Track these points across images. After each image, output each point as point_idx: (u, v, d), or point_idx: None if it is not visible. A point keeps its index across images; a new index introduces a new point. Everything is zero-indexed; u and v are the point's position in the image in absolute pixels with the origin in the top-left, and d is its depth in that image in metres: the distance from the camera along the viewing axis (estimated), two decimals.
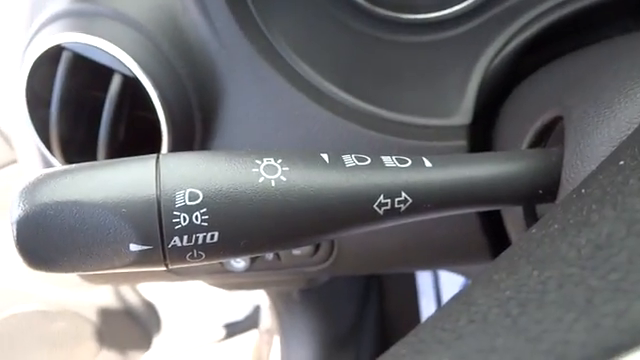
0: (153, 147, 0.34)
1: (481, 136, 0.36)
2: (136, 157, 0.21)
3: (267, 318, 0.89)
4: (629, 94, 0.22)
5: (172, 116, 0.33)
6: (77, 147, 0.35)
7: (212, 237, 0.20)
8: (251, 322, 1.01)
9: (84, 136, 0.35)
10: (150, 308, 0.94)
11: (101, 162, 0.21)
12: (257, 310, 1.00)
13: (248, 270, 0.40)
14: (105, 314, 0.89)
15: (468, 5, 0.38)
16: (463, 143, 0.34)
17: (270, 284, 0.59)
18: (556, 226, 0.16)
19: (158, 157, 0.21)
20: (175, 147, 0.34)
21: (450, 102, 0.36)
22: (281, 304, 0.68)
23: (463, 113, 0.35)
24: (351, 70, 0.37)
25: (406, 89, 0.37)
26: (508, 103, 0.35)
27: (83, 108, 0.34)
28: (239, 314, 1.02)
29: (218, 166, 0.21)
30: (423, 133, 0.35)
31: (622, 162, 0.17)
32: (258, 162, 0.21)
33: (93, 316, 0.89)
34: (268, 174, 0.21)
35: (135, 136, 0.35)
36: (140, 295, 0.93)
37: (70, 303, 0.87)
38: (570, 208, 0.17)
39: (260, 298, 0.96)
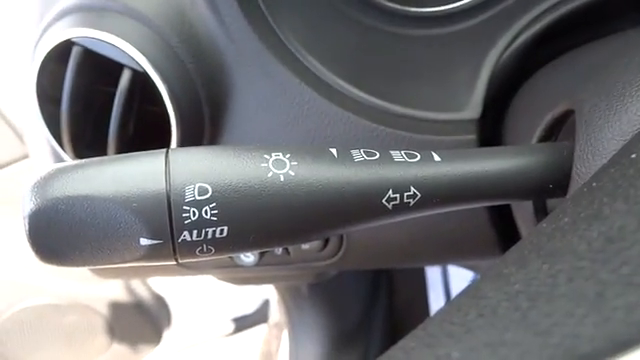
0: (162, 142, 0.34)
1: (491, 130, 0.35)
2: (146, 152, 0.21)
3: (276, 312, 0.89)
4: None
5: (181, 110, 0.33)
6: (87, 142, 0.35)
7: (221, 232, 0.20)
8: (260, 316, 1.01)
9: (94, 131, 0.35)
10: (160, 302, 0.95)
11: (111, 157, 0.21)
12: (266, 304, 1.00)
13: (257, 264, 0.40)
14: (116, 308, 0.90)
15: None
16: (473, 137, 0.34)
17: (279, 278, 0.59)
18: (567, 220, 0.16)
19: (167, 152, 0.21)
20: (184, 142, 0.34)
21: (460, 96, 0.35)
22: (290, 299, 0.68)
23: (473, 107, 0.35)
24: (360, 64, 0.37)
25: (415, 83, 0.37)
26: (518, 97, 0.34)
27: (93, 103, 0.35)
28: (248, 308, 1.03)
29: (227, 161, 0.21)
30: (432, 127, 0.34)
31: (634, 155, 0.17)
32: (267, 157, 0.21)
33: (104, 310, 0.90)
34: (277, 169, 0.21)
35: (145, 131, 0.35)
36: (150, 289, 0.93)
37: (81, 297, 0.88)
38: (581, 202, 0.16)
39: (269, 292, 0.97)
